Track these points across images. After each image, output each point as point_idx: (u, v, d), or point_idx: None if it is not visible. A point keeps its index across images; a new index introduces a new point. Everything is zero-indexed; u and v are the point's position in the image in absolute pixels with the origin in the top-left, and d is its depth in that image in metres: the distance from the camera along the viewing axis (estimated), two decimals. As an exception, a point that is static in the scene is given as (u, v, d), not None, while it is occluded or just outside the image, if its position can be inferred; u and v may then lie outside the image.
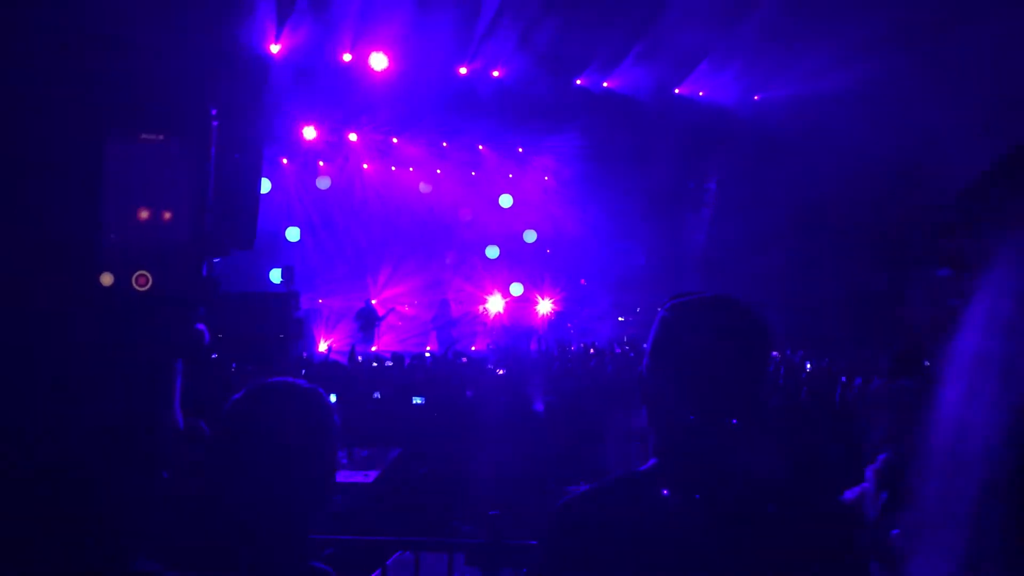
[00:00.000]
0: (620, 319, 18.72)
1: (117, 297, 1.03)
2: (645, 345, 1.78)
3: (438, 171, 19.40)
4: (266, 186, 15.77)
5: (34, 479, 0.97)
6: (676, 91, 15.28)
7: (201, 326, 1.13)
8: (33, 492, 0.97)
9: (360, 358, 12.15)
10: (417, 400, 7.66)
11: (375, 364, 11.35)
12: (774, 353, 13.31)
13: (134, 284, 1.04)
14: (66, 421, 1.01)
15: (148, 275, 1.04)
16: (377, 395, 8.23)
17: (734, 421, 1.66)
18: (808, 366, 11.86)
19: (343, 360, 11.47)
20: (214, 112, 1.03)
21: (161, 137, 1.00)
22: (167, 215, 1.09)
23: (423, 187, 19.48)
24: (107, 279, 1.03)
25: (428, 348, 16.26)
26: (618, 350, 14.19)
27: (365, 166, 18.99)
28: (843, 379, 8.99)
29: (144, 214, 1.06)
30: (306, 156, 18.18)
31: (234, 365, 8.88)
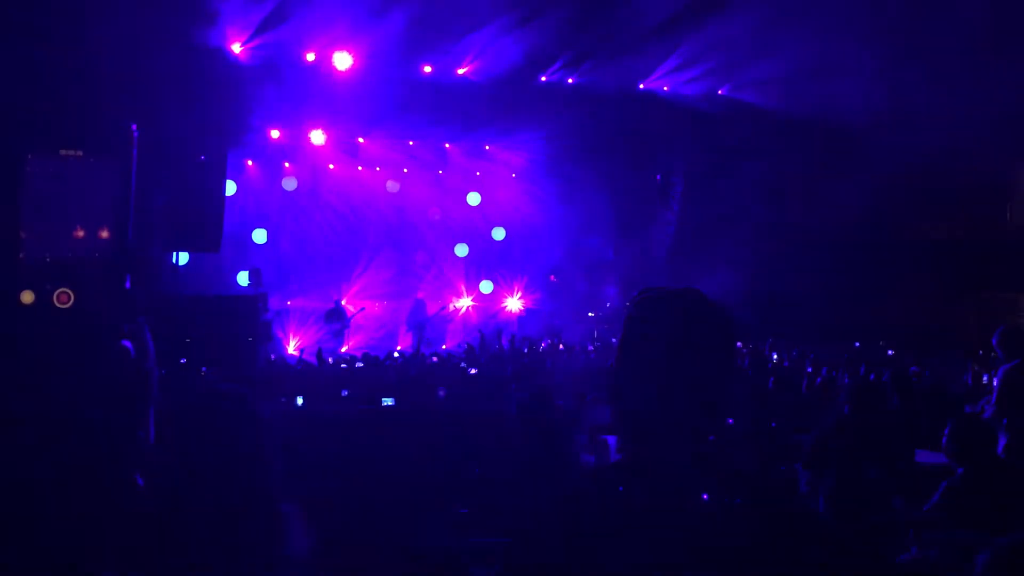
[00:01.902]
0: (590, 314, 18.80)
1: (38, 315, 1.01)
2: (614, 340, 1.81)
3: (405, 170, 19.32)
4: (231, 188, 15.62)
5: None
6: (641, 86, 15.34)
7: (127, 342, 1.12)
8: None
9: (330, 359, 12.09)
10: (387, 401, 7.63)
11: (344, 365, 11.30)
12: (739, 344, 13.45)
13: (55, 301, 1.03)
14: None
15: (70, 292, 1.02)
16: (345, 392, 8.20)
17: (701, 415, 1.69)
18: (775, 357, 12.01)
19: (314, 361, 11.41)
20: (135, 127, 1.02)
21: (80, 153, 0.98)
22: (89, 231, 1.07)
23: (390, 186, 19.41)
24: (28, 297, 1.02)
25: (399, 348, 16.22)
26: (590, 347, 14.27)
27: (331, 166, 18.88)
28: (809, 369, 9.13)
29: (66, 230, 1.04)
30: (271, 157, 18.04)
31: (204, 368, 8.80)
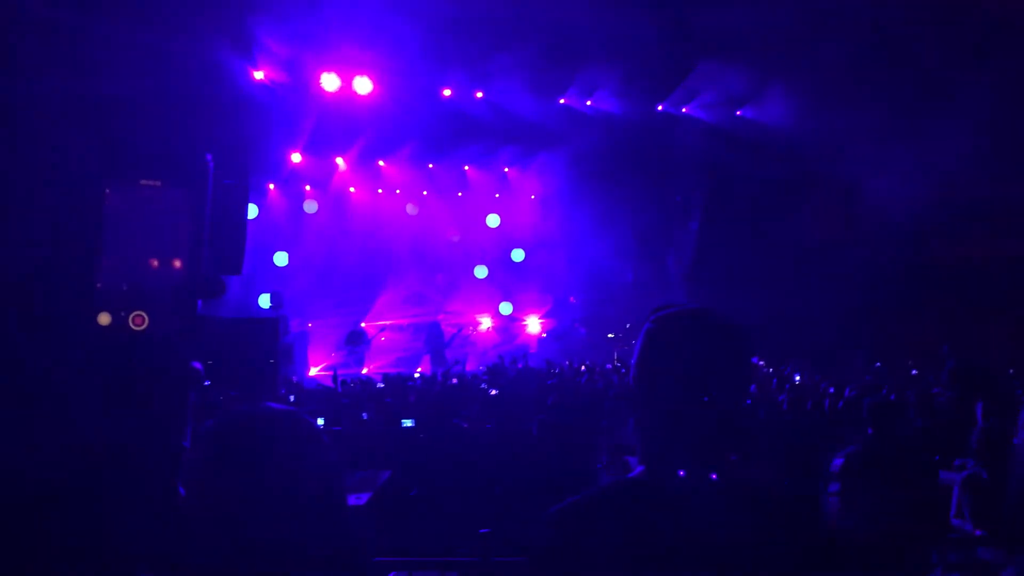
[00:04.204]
0: (609, 335, 18.77)
1: (114, 336, 1.07)
2: (632, 358, 1.82)
3: (424, 193, 19.46)
4: (253, 212, 15.77)
5: (37, 502, 1.00)
6: (659, 108, 15.39)
7: (197, 364, 1.15)
8: (38, 514, 1.00)
9: (351, 382, 12.13)
10: (407, 423, 7.64)
11: (358, 386, 11.32)
12: (760, 362, 13.38)
13: (131, 324, 1.08)
14: (65, 451, 1.05)
15: (144, 315, 1.08)
16: (365, 416, 8.22)
17: (720, 431, 1.69)
18: (797, 378, 11.92)
19: (331, 384, 11.45)
20: (209, 158, 1.07)
21: (159, 183, 1.04)
22: (165, 258, 1.12)
23: (410, 209, 19.54)
24: (105, 319, 1.07)
25: (419, 370, 16.25)
26: (609, 366, 14.23)
27: (352, 189, 19.04)
28: (831, 390, 9.05)
29: (142, 257, 1.10)
30: (293, 181, 18.23)
31: (221, 394, 8.84)
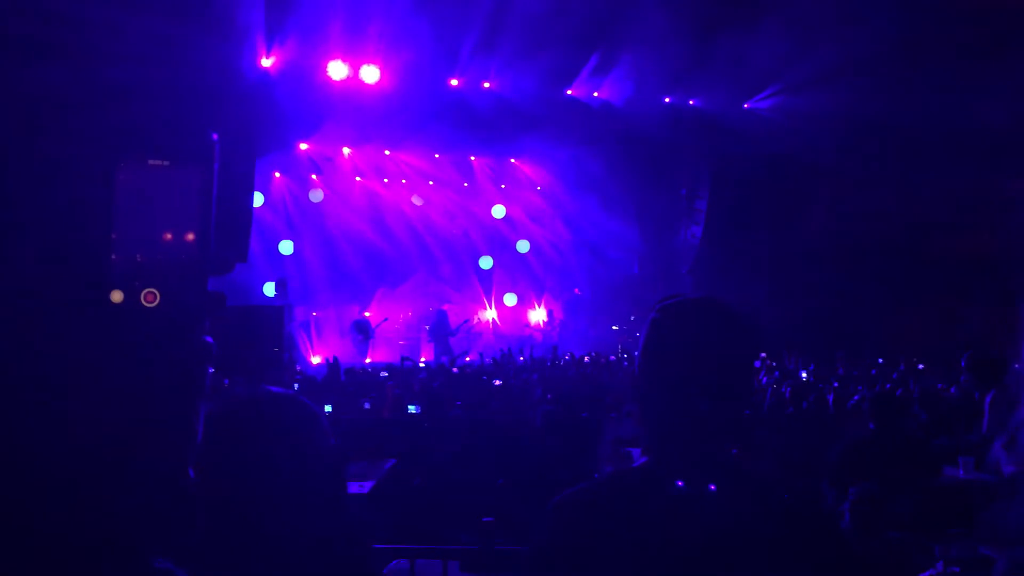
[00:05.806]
0: (614, 327, 18.78)
1: (126, 312, 1.11)
2: (636, 353, 1.82)
3: (430, 183, 19.45)
4: (259, 200, 15.79)
5: (46, 485, 1.02)
6: (666, 100, 15.33)
7: (209, 338, 1.16)
8: (46, 497, 1.01)
9: (356, 370, 12.16)
10: (412, 409, 7.67)
11: (362, 375, 11.35)
12: (762, 354, 13.36)
13: (143, 300, 1.11)
14: (77, 429, 1.06)
15: (156, 292, 1.11)
16: (367, 404, 8.25)
17: (724, 422, 1.69)
18: (803, 375, 11.90)
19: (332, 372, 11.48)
20: (216, 137, 1.09)
21: (167, 163, 1.07)
22: (175, 236, 1.15)
23: (416, 199, 19.54)
24: (117, 296, 1.10)
25: (423, 358, 16.28)
26: (612, 358, 14.24)
27: (358, 179, 19.04)
28: (835, 384, 9.05)
29: (153, 236, 1.13)
30: (299, 169, 18.23)
31: (226, 381, 8.88)
